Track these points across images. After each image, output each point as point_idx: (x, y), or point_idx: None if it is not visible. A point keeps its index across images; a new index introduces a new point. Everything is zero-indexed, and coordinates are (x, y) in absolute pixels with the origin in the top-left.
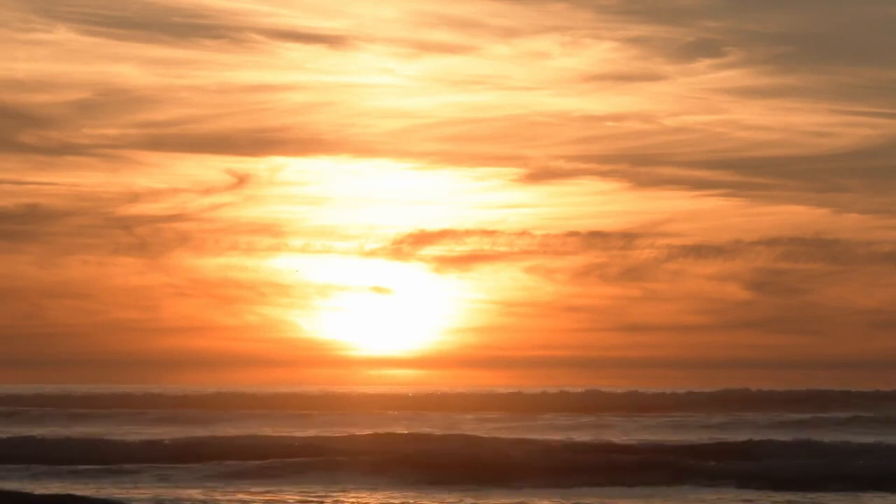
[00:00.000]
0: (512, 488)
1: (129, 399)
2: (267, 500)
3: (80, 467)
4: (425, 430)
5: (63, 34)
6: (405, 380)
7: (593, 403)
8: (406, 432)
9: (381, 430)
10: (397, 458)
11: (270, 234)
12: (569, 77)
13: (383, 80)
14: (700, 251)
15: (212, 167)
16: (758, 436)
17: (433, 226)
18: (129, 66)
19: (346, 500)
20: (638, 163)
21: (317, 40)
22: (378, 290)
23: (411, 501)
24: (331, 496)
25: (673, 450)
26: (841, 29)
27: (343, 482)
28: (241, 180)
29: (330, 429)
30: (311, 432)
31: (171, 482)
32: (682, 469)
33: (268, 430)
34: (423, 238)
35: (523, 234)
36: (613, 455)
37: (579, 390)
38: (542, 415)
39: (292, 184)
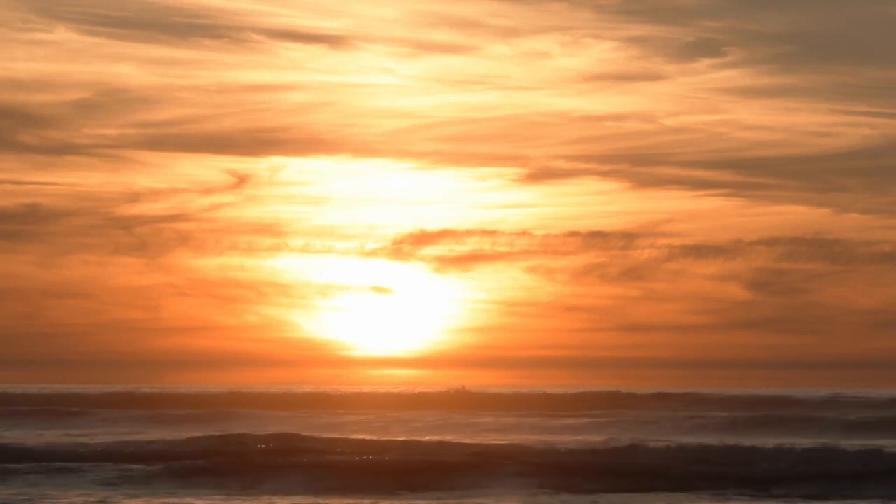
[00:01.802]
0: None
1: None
2: None
3: None
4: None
5: (63, 34)
6: (405, 380)
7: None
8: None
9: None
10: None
11: (270, 234)
12: (569, 77)
13: (383, 80)
14: (700, 251)
15: (212, 167)
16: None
17: (433, 226)
18: (129, 66)
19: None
20: (638, 163)
21: (317, 40)
22: (378, 290)
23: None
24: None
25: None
26: (841, 29)
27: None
28: (241, 180)
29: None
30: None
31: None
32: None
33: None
34: (423, 238)
35: (523, 234)
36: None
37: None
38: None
39: (292, 184)
